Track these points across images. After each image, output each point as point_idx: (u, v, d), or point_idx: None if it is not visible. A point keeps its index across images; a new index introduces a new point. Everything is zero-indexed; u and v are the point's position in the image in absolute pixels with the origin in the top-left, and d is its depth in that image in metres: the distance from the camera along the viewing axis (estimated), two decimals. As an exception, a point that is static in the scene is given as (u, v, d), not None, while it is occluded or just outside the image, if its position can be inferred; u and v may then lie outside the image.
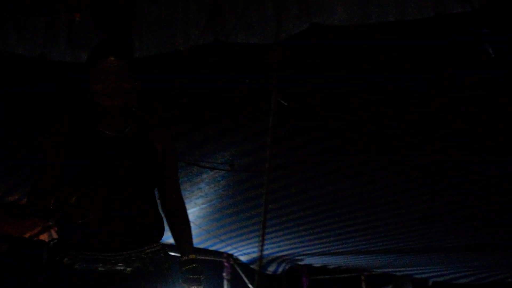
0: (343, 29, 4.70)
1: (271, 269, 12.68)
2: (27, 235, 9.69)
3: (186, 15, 4.93)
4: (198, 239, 10.83)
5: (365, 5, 4.53)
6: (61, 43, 5.22)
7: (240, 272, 12.08)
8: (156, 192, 3.88)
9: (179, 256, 3.84)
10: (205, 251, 11.65)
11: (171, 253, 3.76)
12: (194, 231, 10.30)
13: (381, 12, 4.48)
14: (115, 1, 5.12)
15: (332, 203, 9.35)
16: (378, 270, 15.20)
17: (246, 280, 12.05)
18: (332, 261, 13.81)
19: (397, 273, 15.23)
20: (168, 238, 3.87)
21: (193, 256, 3.83)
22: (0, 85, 6.01)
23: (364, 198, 9.15)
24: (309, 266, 13.99)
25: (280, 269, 12.90)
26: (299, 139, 7.27)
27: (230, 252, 11.95)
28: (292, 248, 11.73)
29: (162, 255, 3.71)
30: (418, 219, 10.13)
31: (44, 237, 9.46)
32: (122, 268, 3.55)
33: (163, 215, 3.86)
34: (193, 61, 5.52)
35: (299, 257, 12.74)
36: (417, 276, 15.48)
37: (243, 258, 12.11)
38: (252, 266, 12.10)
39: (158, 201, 3.87)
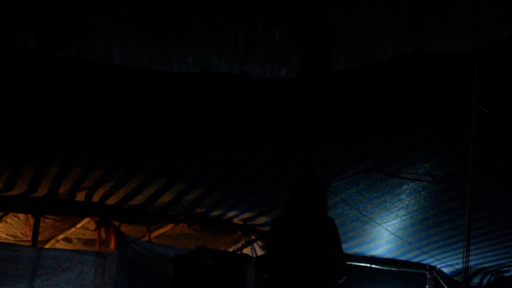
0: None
1: (475, 280, 12.40)
2: (231, 249, 9.94)
3: (383, 26, 4.93)
4: (400, 251, 10.75)
5: None
6: (260, 60, 5.33)
7: (443, 284, 11.88)
8: None
9: None
10: (407, 263, 11.54)
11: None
12: (396, 243, 10.21)
13: None
14: (311, 15, 5.18)
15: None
16: None
17: (450, 292, 11.86)
18: (542, 272, 13.31)
19: None
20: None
21: None
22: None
23: None
24: (516, 277, 13.57)
25: (485, 281, 12.59)
26: (502, 147, 7.09)
27: (433, 264, 11.76)
28: (498, 259, 11.41)
29: None
30: None
31: (247, 251, 9.68)
32: None
33: None
34: (391, 72, 5.51)
35: (505, 268, 12.37)
36: None
37: (446, 270, 11.90)
38: (455, 278, 11.87)
39: None
